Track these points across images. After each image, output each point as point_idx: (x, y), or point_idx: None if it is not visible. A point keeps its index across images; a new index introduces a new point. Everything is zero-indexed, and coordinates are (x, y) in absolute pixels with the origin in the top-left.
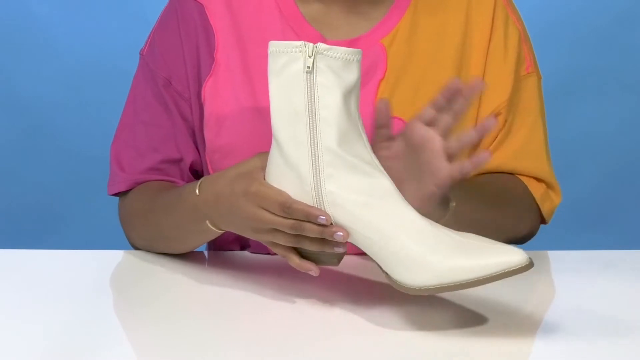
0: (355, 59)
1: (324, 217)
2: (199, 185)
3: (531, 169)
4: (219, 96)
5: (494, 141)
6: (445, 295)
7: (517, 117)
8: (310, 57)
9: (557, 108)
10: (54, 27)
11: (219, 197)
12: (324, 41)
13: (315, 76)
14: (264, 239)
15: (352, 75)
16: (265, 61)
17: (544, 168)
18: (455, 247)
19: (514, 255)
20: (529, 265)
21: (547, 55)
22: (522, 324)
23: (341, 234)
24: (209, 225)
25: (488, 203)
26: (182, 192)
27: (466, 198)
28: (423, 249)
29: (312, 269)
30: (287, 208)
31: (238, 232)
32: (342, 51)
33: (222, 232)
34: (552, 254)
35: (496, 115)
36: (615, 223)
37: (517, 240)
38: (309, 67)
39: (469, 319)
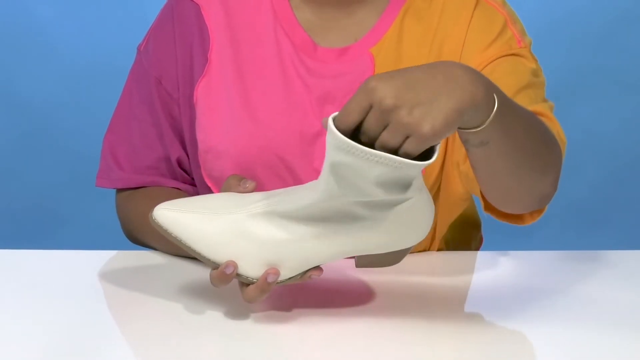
0: None
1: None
2: None
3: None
4: (211, 96)
5: None
6: (441, 296)
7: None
8: None
9: (557, 108)
10: (54, 27)
11: None
12: (315, 47)
13: None
14: None
15: None
16: (258, 62)
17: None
18: None
19: None
20: None
21: (547, 55)
22: (521, 324)
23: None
24: None
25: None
26: None
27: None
28: None
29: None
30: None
31: None
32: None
33: None
34: (552, 254)
35: None
36: (615, 223)
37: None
38: None
39: (465, 319)
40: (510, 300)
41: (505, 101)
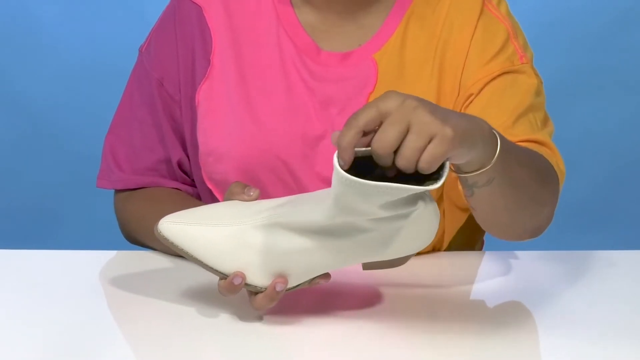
0: None
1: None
2: None
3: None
4: (213, 99)
5: None
6: (447, 296)
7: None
8: None
9: (557, 108)
10: (54, 27)
11: None
12: (318, 51)
13: None
14: None
15: None
16: (260, 64)
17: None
18: None
19: None
20: None
21: (547, 55)
22: (521, 324)
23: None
24: None
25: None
26: None
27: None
28: None
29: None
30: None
31: None
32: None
33: None
34: (552, 254)
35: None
36: (616, 223)
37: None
38: None
39: (466, 320)
40: (512, 301)
41: (503, 139)
